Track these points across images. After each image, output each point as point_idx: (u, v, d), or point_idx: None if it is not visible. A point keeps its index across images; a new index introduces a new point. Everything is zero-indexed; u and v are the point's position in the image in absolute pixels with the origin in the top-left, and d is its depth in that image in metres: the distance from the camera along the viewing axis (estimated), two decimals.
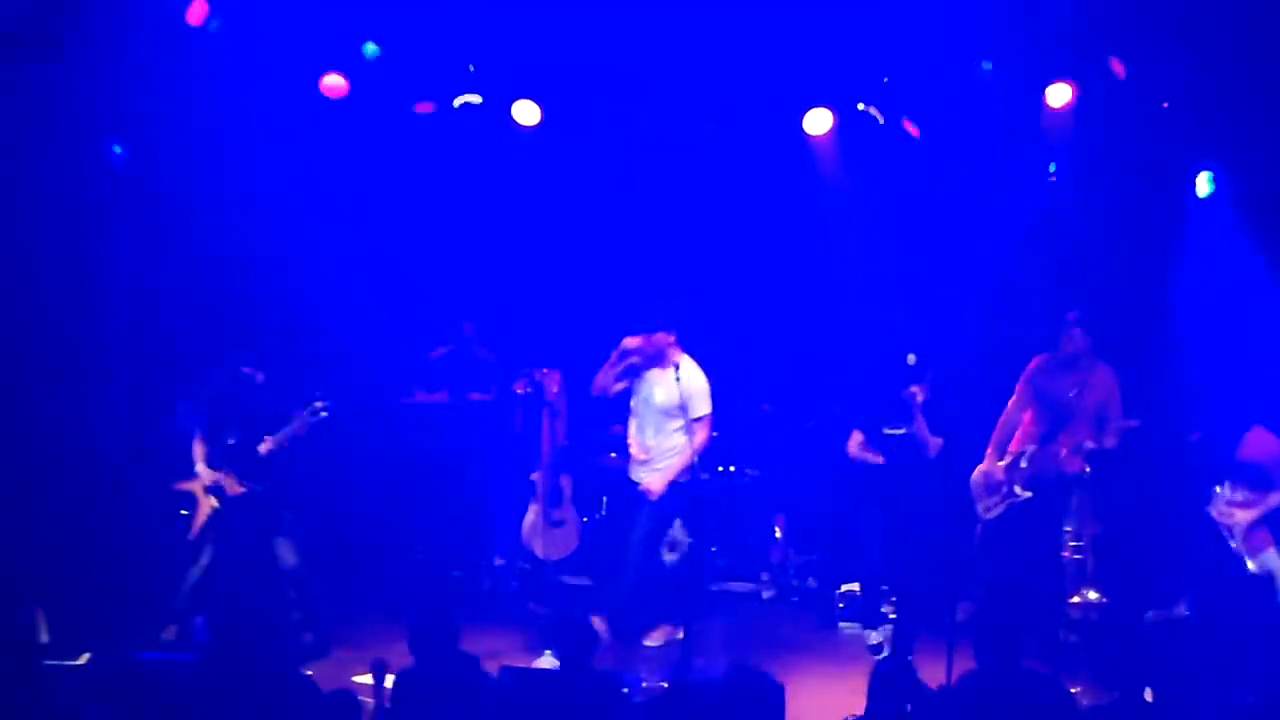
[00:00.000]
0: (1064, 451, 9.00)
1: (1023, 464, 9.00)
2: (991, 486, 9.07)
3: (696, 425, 8.78)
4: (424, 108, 10.54)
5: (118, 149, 9.85)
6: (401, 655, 6.46)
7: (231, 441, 8.60)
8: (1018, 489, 8.98)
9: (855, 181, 10.77)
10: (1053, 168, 10.29)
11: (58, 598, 8.16)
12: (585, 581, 10.21)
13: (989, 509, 9.03)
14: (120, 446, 9.78)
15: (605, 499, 10.40)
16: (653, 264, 10.99)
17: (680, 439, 8.75)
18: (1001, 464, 9.09)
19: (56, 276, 9.54)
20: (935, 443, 8.77)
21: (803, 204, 10.90)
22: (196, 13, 9.44)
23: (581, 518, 10.06)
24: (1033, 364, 9.33)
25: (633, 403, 8.99)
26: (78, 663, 7.44)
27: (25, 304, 9.37)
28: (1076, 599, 9.48)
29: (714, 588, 10.21)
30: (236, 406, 8.63)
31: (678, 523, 10.10)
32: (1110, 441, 8.99)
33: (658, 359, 8.72)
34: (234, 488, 8.58)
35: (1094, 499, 9.46)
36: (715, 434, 10.46)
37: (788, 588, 10.33)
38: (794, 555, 10.50)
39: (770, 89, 10.19)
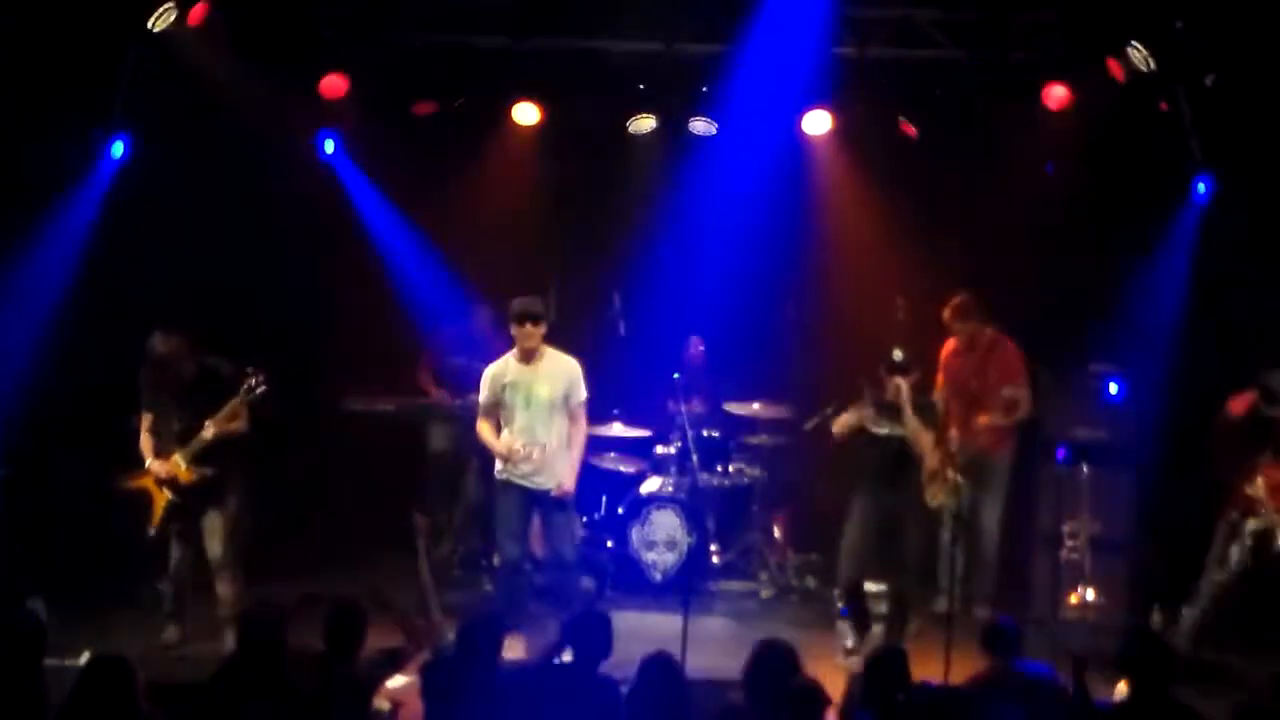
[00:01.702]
0: (984, 433, 9.27)
1: (952, 449, 9.04)
2: (932, 475, 9.11)
3: (580, 410, 8.59)
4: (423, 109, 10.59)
5: (118, 149, 9.85)
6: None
7: (178, 426, 8.37)
8: (949, 473, 9.04)
9: (856, 180, 10.83)
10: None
11: (58, 598, 8.17)
12: (585, 582, 10.21)
13: (934, 496, 9.03)
14: (118, 443, 9.77)
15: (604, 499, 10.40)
16: (651, 263, 11.04)
17: (564, 429, 8.55)
18: (939, 452, 9.13)
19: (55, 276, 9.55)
20: (926, 438, 8.49)
21: (791, 202, 10.94)
22: (196, 13, 9.47)
23: (581, 518, 10.06)
24: (943, 349, 9.67)
25: (508, 410, 8.55)
26: (78, 663, 7.43)
27: (25, 304, 9.38)
28: (1075, 599, 9.52)
29: (713, 587, 10.23)
30: (182, 391, 8.38)
31: (678, 522, 10.13)
32: (1000, 418, 9.30)
33: (528, 356, 8.50)
34: (186, 476, 8.35)
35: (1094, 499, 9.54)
36: (713, 434, 10.56)
37: (787, 587, 10.34)
38: (793, 555, 10.52)
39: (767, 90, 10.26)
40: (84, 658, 7.39)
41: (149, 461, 8.42)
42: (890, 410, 8.44)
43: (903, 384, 8.39)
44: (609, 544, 10.23)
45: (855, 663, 8.03)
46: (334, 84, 10.28)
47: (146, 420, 8.49)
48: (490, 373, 8.63)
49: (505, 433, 8.59)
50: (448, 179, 10.95)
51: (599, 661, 6.34)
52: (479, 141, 10.98)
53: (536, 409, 8.50)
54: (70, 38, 9.07)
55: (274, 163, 10.28)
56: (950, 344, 9.75)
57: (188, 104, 9.71)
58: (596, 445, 10.37)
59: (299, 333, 10.63)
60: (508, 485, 8.59)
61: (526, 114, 10.65)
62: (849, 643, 8.67)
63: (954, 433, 9.04)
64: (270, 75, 9.83)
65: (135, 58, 9.43)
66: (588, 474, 10.35)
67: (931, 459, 8.71)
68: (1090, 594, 9.53)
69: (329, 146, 10.70)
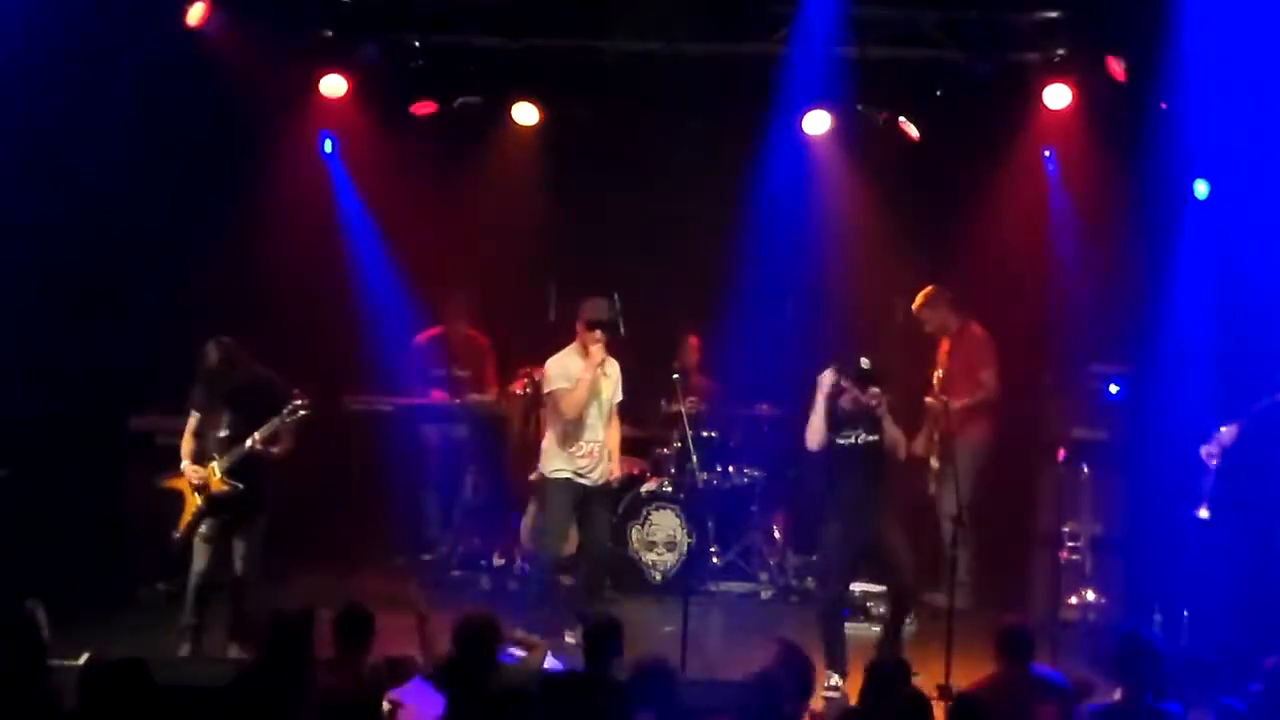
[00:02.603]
0: (948, 416, 9.39)
1: (935, 436, 9.20)
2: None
3: (615, 409, 9.00)
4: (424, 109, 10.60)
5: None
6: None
7: (223, 434, 8.41)
8: (932, 461, 9.05)
9: (852, 181, 10.83)
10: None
11: (58, 598, 8.17)
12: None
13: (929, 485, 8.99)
14: (122, 444, 9.78)
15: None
16: (652, 261, 11.04)
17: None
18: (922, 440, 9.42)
19: (55, 272, 9.52)
20: (905, 442, 8.33)
21: (796, 203, 10.94)
22: (196, 14, 9.46)
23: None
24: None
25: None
26: (78, 663, 7.43)
27: (25, 305, 9.36)
28: (1075, 599, 9.52)
29: (713, 587, 10.23)
30: (231, 400, 8.43)
31: (678, 522, 10.13)
32: (957, 400, 9.50)
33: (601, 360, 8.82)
34: (217, 485, 8.39)
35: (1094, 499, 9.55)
36: (713, 434, 10.56)
37: (787, 588, 10.33)
38: (793, 555, 10.51)
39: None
40: (84, 658, 7.42)
41: (185, 464, 8.45)
42: (855, 418, 8.17)
43: (879, 393, 8.09)
44: (609, 544, 10.22)
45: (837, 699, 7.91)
46: (334, 84, 10.27)
47: (191, 422, 8.52)
48: (562, 366, 8.82)
49: (556, 433, 8.83)
50: (448, 179, 10.94)
51: (610, 665, 6.36)
52: (479, 141, 10.98)
53: (601, 408, 8.85)
54: (70, 35, 9.07)
55: (273, 161, 10.28)
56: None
57: (186, 102, 9.70)
58: None
59: (298, 332, 10.60)
60: (566, 483, 8.80)
61: (526, 114, 10.66)
62: (832, 681, 8.15)
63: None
64: (271, 73, 9.83)
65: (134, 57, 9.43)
66: None
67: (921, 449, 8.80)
68: (1090, 594, 9.54)
69: (328, 146, 10.70)
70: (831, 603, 8.41)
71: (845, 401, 8.20)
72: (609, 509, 9.21)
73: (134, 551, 9.41)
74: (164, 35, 9.37)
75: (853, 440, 8.18)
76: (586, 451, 8.83)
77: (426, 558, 10.62)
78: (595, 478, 8.88)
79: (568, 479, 8.82)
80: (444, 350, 10.76)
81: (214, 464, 8.39)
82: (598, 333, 8.74)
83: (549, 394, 8.88)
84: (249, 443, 8.31)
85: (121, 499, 9.67)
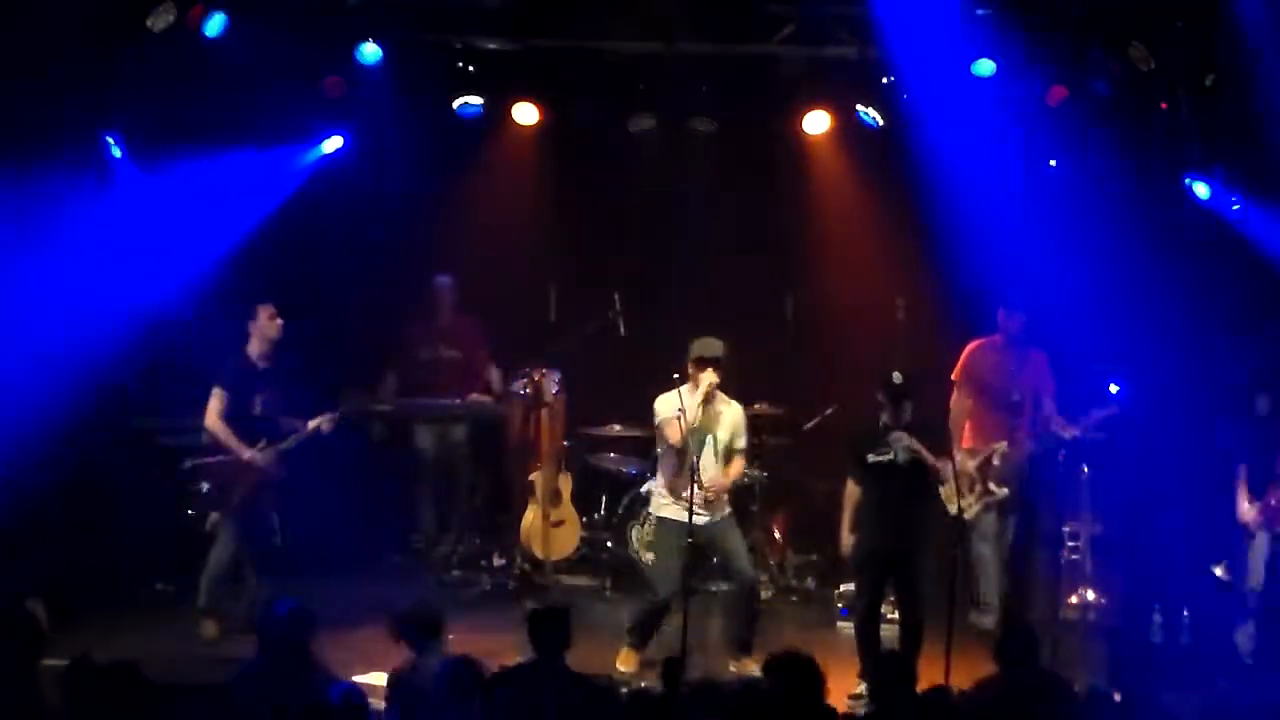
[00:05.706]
0: (1029, 443, 9.26)
1: (995, 461, 8.99)
2: (970, 487, 8.99)
3: (740, 458, 8.63)
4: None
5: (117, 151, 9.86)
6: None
7: (258, 413, 8.69)
8: (993, 486, 8.98)
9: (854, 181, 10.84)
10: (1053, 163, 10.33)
11: (58, 597, 8.18)
12: (585, 581, 10.23)
13: (968, 508, 8.80)
14: (124, 440, 9.79)
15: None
16: (652, 261, 11.05)
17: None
18: (974, 462, 9.12)
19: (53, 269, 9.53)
20: (942, 465, 8.08)
21: (791, 201, 10.95)
22: (195, 16, 9.46)
23: (581, 518, 10.07)
24: (966, 351, 9.61)
25: (695, 447, 8.42)
26: None
27: (26, 304, 9.37)
28: (1075, 599, 9.52)
29: (713, 587, 10.21)
30: (255, 390, 8.70)
31: None
32: (1069, 430, 9.31)
33: (707, 398, 8.43)
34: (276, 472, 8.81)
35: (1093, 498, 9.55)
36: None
37: (787, 587, 10.32)
38: (793, 555, 10.51)
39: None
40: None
41: (246, 452, 8.67)
42: (889, 433, 8.05)
43: (910, 409, 8.02)
44: (609, 544, 10.23)
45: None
46: (334, 84, 10.28)
47: (217, 403, 8.74)
48: (670, 401, 8.45)
49: (666, 473, 8.59)
50: (448, 179, 10.95)
51: (560, 654, 6.34)
52: (479, 141, 10.98)
53: (716, 449, 8.50)
54: (71, 35, 9.07)
55: (272, 161, 10.29)
56: (974, 347, 9.71)
57: (186, 102, 9.71)
58: (596, 445, 10.38)
59: (295, 332, 10.60)
60: (674, 524, 8.48)
61: (526, 114, 10.66)
62: (859, 690, 7.83)
63: (1002, 445, 8.99)
64: (271, 75, 9.83)
65: (134, 57, 9.42)
66: (587, 473, 10.40)
67: (963, 466, 8.48)
68: (1090, 594, 9.54)
69: (325, 146, 10.71)
70: (862, 617, 8.30)
71: (884, 417, 8.05)
72: (735, 539, 8.59)
73: (134, 551, 9.41)
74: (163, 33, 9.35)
75: (891, 456, 8.02)
76: (712, 496, 8.43)
77: (426, 558, 10.62)
78: (709, 517, 8.44)
79: (676, 521, 8.45)
80: (430, 333, 10.69)
81: (266, 448, 8.69)
82: (709, 370, 8.33)
83: (657, 426, 8.55)
84: (312, 426, 8.78)
85: (122, 498, 9.66)
